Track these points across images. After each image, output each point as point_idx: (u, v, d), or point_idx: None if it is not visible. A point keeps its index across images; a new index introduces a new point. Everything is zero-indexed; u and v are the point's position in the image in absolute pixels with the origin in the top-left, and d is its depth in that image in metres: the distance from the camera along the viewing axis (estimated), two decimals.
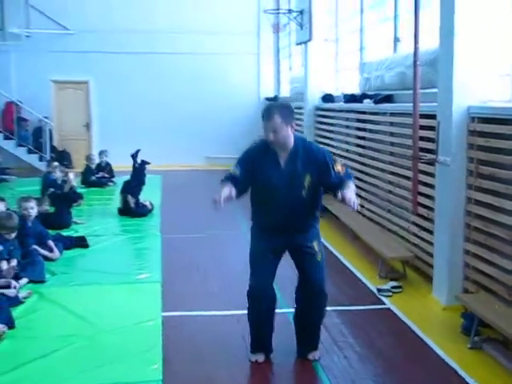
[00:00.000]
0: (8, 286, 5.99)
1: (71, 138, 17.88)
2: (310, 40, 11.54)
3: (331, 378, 4.56)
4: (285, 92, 17.00)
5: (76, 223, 9.58)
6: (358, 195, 8.93)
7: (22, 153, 16.79)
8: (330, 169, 4.51)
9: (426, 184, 6.73)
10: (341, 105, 10.28)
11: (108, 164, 14.30)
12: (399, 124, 7.61)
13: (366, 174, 8.91)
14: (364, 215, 8.93)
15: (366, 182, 8.92)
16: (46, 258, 7.41)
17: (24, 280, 6.50)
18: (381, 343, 5.22)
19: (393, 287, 6.49)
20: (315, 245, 4.70)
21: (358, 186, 9.23)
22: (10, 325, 5.32)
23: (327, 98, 11.20)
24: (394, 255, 6.87)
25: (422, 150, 6.64)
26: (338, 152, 10.30)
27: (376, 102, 8.30)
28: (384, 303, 6.20)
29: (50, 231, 8.24)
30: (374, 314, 5.95)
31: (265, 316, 4.76)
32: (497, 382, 4.50)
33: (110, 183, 13.76)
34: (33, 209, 7.59)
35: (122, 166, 16.32)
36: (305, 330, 4.88)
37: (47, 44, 17.15)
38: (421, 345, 5.19)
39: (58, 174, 11.06)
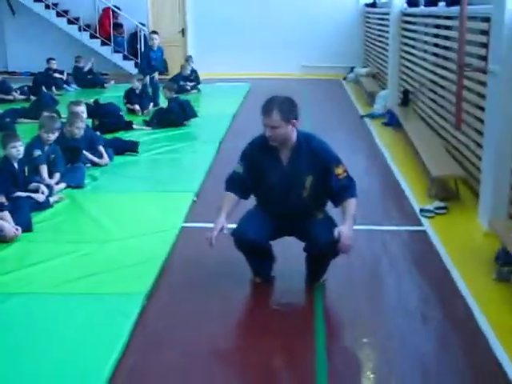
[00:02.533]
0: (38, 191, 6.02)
1: (166, 44, 17.75)
2: None
3: (327, 297, 4.33)
4: None
5: (142, 129, 9.56)
6: (430, 107, 8.45)
7: (117, 59, 16.95)
8: (331, 171, 4.16)
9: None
10: (422, 9, 9.44)
11: (194, 71, 14.12)
12: (470, 29, 6.82)
13: (438, 84, 8.19)
14: (432, 128, 8.28)
15: (436, 93, 8.22)
16: (95, 164, 7.46)
17: (62, 185, 6.53)
18: (399, 268, 4.83)
19: (437, 208, 5.98)
20: (319, 213, 4.36)
21: (430, 98, 8.64)
22: (27, 228, 5.36)
23: (413, 1, 10.31)
24: (441, 173, 6.30)
25: (482, 58, 5.93)
26: (418, 61, 9.55)
27: (448, 5, 7.50)
28: (422, 225, 5.73)
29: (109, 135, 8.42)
30: (406, 236, 5.50)
31: (254, 257, 4.46)
32: (508, 320, 4.04)
33: (194, 90, 13.62)
34: (83, 113, 7.55)
35: (216, 74, 16.25)
36: (315, 269, 4.53)
37: None
38: (442, 272, 4.74)
39: (135, 84, 11.03)
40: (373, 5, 15.85)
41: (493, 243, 5.06)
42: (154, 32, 12.46)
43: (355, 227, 5.22)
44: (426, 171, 6.93)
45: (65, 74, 14.36)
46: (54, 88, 13.45)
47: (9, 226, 5.14)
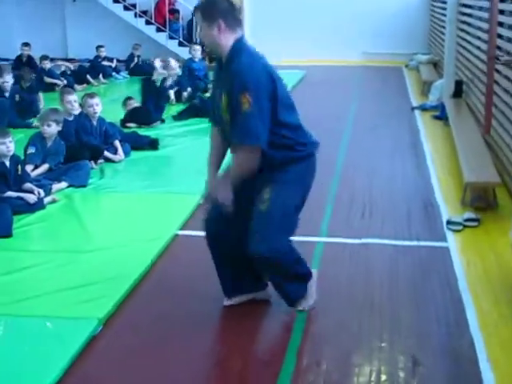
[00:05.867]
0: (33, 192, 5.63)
1: None
2: None
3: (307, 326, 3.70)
4: None
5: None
6: (481, 102, 7.52)
7: (172, 45, 16.57)
8: (235, 98, 3.37)
9: None
10: None
11: None
12: None
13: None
14: (482, 126, 7.44)
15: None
16: (109, 160, 7.05)
17: (62, 184, 6.14)
18: (402, 297, 4.07)
19: (467, 220, 5.22)
20: (266, 192, 3.55)
21: (481, 92, 7.75)
22: (6, 233, 4.98)
23: None
24: (475, 179, 5.53)
25: None
26: (472, 49, 8.67)
27: None
28: (446, 240, 4.99)
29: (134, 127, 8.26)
30: (424, 253, 4.76)
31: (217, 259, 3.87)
32: None
33: None
34: (98, 105, 7.14)
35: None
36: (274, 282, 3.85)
37: None
38: (455, 306, 3.95)
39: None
40: None
41: None
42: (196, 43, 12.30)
43: (367, 240, 4.61)
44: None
45: (114, 62, 14.09)
46: (100, 76, 13.19)
47: None
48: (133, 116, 8.64)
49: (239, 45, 3.48)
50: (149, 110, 8.81)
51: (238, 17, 3.53)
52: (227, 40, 3.44)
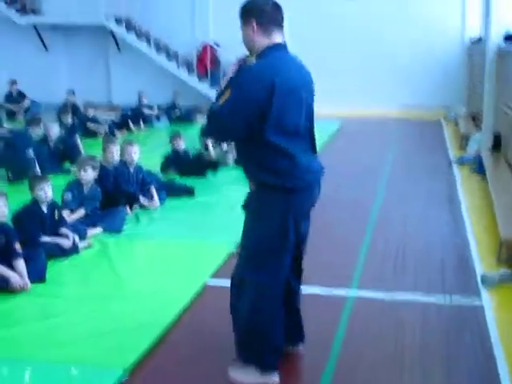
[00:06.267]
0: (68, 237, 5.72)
1: None
2: None
3: None
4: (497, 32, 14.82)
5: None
6: None
7: (214, 95, 16.77)
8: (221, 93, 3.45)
9: None
10: None
11: None
12: None
13: None
14: None
15: None
16: (144, 206, 7.14)
17: (98, 229, 6.23)
18: (427, 366, 3.94)
19: (502, 276, 5.12)
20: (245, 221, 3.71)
21: None
22: (39, 278, 5.05)
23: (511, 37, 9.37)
24: (510, 236, 5.43)
25: None
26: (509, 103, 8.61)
27: None
28: (480, 296, 4.89)
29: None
30: (456, 313, 4.66)
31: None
32: None
33: None
34: (136, 153, 7.26)
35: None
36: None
37: None
38: (487, 366, 3.86)
39: None
40: (478, 40, 14.85)
41: None
42: None
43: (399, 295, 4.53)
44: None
45: (155, 109, 14.34)
46: (141, 123, 13.42)
47: (15, 277, 4.84)
48: (177, 162, 8.70)
49: (270, 49, 3.44)
50: (196, 168, 8.79)
51: (272, 21, 3.44)
52: (260, 41, 3.43)
